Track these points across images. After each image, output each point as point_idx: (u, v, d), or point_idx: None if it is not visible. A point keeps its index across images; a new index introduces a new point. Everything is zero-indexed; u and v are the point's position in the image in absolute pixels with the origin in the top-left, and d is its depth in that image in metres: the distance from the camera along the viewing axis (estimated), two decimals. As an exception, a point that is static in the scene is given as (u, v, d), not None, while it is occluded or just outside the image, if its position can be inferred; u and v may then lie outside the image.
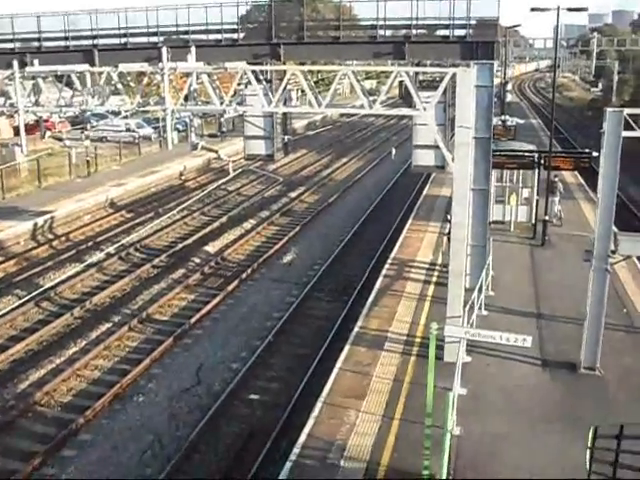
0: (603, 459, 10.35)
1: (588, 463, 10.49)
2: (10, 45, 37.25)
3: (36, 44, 36.14)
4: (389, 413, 14.81)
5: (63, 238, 31.47)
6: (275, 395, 18.54)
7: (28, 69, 22.20)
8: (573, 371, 16.50)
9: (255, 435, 16.56)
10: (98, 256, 27.63)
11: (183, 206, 31.12)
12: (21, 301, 21.20)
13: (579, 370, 16.46)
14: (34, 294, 21.11)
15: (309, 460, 13.26)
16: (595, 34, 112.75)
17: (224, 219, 35.32)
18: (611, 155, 15.34)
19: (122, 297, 25.00)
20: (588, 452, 10.55)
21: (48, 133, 28.60)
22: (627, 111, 15.50)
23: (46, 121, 34.22)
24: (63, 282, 24.94)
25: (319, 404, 15.24)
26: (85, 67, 22.66)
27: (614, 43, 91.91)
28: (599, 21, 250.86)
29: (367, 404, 15.23)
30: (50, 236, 31.76)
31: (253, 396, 18.43)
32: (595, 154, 22.34)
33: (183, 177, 45.04)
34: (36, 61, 25.75)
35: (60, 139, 31.92)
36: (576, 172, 34.91)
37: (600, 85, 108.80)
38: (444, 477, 9.89)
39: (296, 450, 13.52)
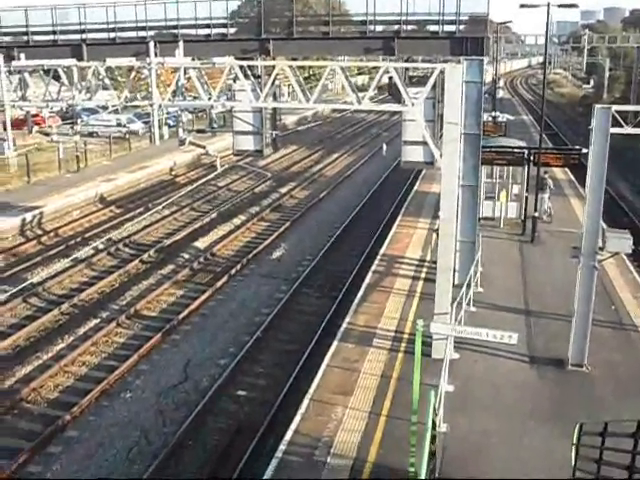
0: (588, 456, 10.36)
1: (573, 460, 10.49)
2: (-2, 38, 37.09)
3: (24, 38, 35.92)
4: (376, 410, 14.79)
5: (52, 233, 31.28)
6: (263, 391, 18.48)
7: (14, 63, 22.06)
8: (561, 368, 16.51)
9: (242, 431, 16.51)
10: (87, 252, 27.49)
11: (172, 201, 31.00)
12: (8, 294, 21.08)
13: (567, 367, 16.47)
14: (22, 289, 20.99)
15: (295, 457, 13.22)
16: (586, 31, 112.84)
17: (214, 215, 35.20)
18: (599, 151, 15.33)
19: (110, 293, 24.86)
20: (573, 449, 10.54)
21: (36, 128, 28.43)
22: (615, 108, 15.53)
23: (35, 115, 34.09)
24: (51, 277, 24.98)
25: (306, 400, 15.20)
26: (72, 62, 22.50)
27: (605, 40, 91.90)
28: (591, 18, 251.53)
29: (354, 400, 15.20)
30: (39, 231, 31.58)
31: (241, 392, 18.38)
32: (585, 150, 22.35)
33: (173, 172, 44.86)
34: (22, 55, 25.57)
35: (47, 134, 31.70)
36: (566, 168, 34.90)
37: (592, 82, 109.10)
38: (423, 476, 9.85)
39: (282, 447, 13.48)
